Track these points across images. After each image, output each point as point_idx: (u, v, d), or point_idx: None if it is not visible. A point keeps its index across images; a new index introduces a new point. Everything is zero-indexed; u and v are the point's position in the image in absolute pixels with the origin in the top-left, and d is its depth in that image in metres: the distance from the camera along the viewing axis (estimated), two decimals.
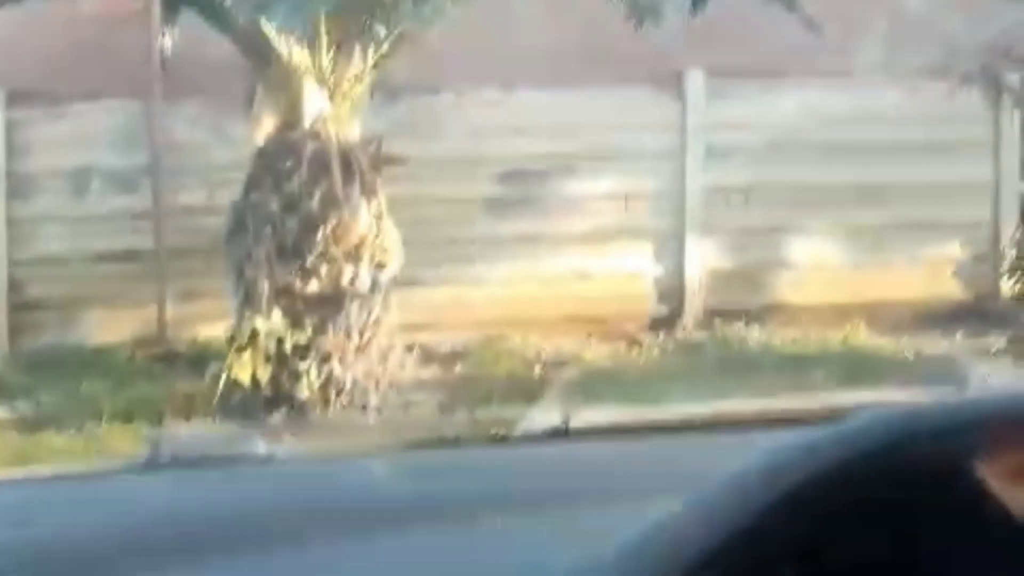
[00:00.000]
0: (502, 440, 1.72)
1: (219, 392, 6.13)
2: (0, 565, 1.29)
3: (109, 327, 7.67)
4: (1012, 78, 8.27)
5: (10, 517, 1.46)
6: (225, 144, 7.49)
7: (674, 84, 8.27)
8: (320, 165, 6.54)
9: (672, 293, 8.30)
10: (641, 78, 8.20)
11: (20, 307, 7.70)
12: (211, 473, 1.60)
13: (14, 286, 7.70)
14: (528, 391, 6.84)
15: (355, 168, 6.60)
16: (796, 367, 7.09)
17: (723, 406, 2.07)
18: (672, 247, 8.31)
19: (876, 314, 8.05)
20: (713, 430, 1.68)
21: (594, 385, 7.03)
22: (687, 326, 8.16)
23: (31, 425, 6.18)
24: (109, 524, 1.42)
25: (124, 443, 5.94)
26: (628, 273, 8.26)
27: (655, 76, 8.20)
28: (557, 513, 1.34)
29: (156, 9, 7.37)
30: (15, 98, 7.69)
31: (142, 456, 1.75)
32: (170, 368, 7.15)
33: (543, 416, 1.67)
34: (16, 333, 7.67)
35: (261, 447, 1.66)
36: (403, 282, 6.84)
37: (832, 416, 1.12)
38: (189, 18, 7.06)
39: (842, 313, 8.05)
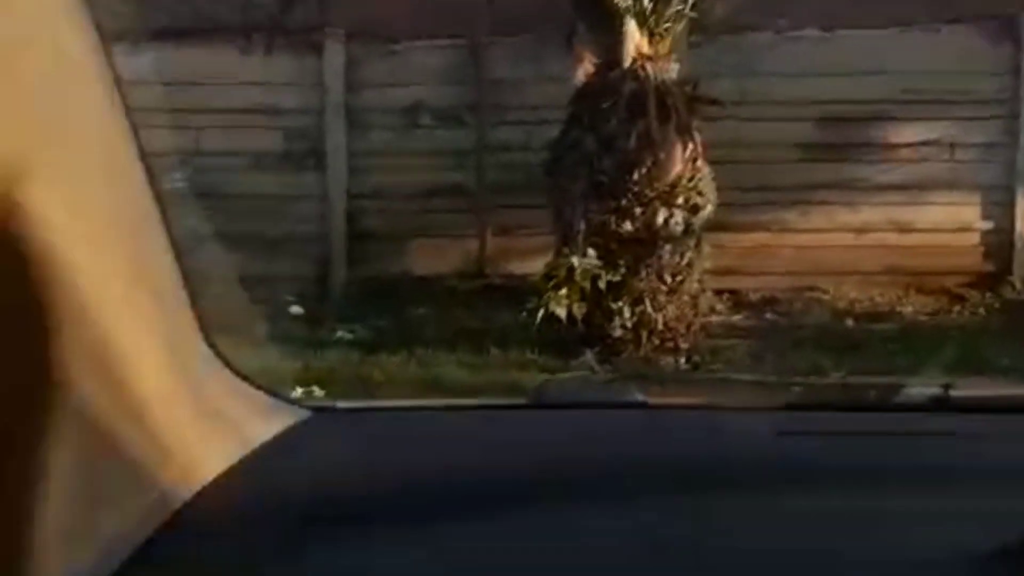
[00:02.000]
0: (877, 408, 1.69)
1: (536, 326, 6.25)
2: (376, 489, 1.34)
3: (433, 259, 7.97)
4: None
5: (394, 444, 1.53)
6: (545, 82, 7.59)
7: (1006, 26, 7.81)
8: (637, 105, 6.51)
9: (1000, 249, 7.90)
10: (970, 19, 7.78)
11: (356, 237, 8.09)
12: (589, 417, 1.64)
13: (351, 217, 8.09)
14: (840, 343, 6.70)
15: (671, 109, 6.54)
16: None
17: None
18: (1001, 201, 7.89)
19: None
20: None
21: (912, 342, 6.78)
22: (1016, 285, 7.77)
23: (368, 347, 6.52)
24: (486, 458, 1.46)
25: (448, 368, 6.19)
26: (951, 227, 7.91)
27: (984, 17, 7.77)
28: (949, 492, 1.30)
29: None
30: (353, 37, 8.03)
31: (527, 395, 1.81)
32: (488, 300, 7.36)
33: (921, 386, 1.62)
34: (352, 262, 8.08)
35: (638, 395, 1.69)
36: (715, 226, 6.78)
37: None
38: None
39: None
